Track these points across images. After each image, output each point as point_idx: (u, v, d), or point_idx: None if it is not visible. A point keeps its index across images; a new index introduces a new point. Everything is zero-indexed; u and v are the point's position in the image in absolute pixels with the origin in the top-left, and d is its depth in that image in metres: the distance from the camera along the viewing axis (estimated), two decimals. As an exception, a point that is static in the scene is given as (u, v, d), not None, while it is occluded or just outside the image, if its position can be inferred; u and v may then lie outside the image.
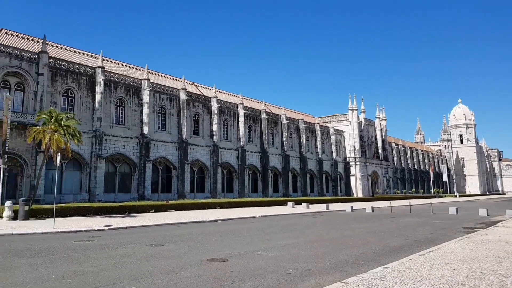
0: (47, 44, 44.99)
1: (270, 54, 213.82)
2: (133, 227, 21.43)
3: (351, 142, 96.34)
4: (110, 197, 45.43)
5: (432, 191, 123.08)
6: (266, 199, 51.66)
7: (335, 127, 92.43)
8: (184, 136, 55.91)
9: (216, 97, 62.42)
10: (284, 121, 75.58)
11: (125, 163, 50.05)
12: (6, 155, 27.08)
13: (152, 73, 58.88)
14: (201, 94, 63.94)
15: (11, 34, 46.79)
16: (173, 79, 64.85)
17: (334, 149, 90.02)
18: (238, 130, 66.14)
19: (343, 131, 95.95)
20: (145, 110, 51.78)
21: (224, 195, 60.57)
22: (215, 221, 25.97)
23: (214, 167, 59.93)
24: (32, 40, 47.89)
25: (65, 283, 8.84)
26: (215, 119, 61.31)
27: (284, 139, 74.80)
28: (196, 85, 69.18)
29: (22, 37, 47.72)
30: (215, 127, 61.14)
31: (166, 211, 31.73)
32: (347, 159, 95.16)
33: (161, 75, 63.56)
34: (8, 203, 23.81)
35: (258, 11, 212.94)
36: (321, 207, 42.07)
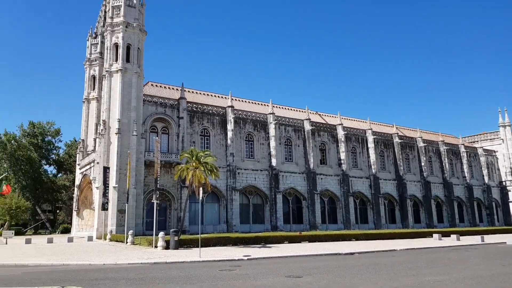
0: (185, 90, 51.43)
1: (397, 75, 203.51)
2: (270, 257, 22.17)
3: (506, 164, 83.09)
4: (245, 228, 48.11)
5: None
6: (407, 230, 47.81)
7: (484, 147, 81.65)
8: (312, 166, 56.38)
9: (341, 124, 61.82)
10: (421, 144, 70.12)
11: (257, 194, 52.80)
12: (158, 191, 31.28)
13: (276, 107, 61.74)
14: (325, 122, 64.17)
15: (156, 86, 54.93)
16: (296, 110, 66.76)
17: (485, 172, 79.28)
18: (368, 157, 63.78)
19: (495, 151, 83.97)
20: (272, 143, 54.19)
21: (358, 226, 58.27)
22: (352, 253, 25.09)
23: (345, 197, 58.53)
24: (173, 88, 55.31)
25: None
26: (342, 147, 60.46)
27: (423, 163, 69.06)
28: (320, 114, 69.82)
29: (165, 87, 55.55)
30: (342, 155, 60.20)
31: (299, 242, 32.02)
32: (504, 183, 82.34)
33: (285, 108, 66.07)
34: (161, 234, 27.21)
35: (371, 36, 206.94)
36: (475, 239, 36.99)
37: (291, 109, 66.77)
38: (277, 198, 52.16)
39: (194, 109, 50.66)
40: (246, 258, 21.01)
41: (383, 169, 65.53)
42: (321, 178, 57.86)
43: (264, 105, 62.46)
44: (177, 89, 53.97)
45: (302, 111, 64.31)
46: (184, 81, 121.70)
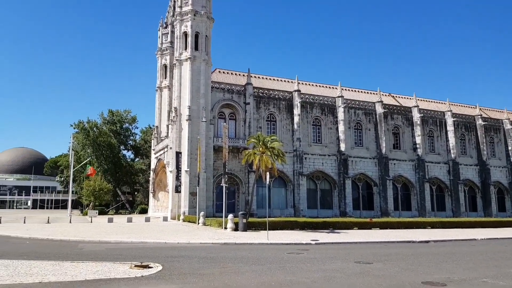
0: (251, 76, 52.00)
1: (480, 52, 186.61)
2: (338, 243, 21.99)
3: None
4: (313, 213, 48.06)
5: None
6: (490, 219, 44.34)
7: None
8: (384, 151, 54.33)
9: (417, 106, 58.50)
10: (508, 126, 64.21)
11: (324, 180, 52.29)
12: (226, 175, 32.35)
13: (345, 89, 60.02)
14: (399, 105, 61.17)
15: (223, 72, 56.18)
16: (367, 93, 64.35)
17: None
18: (447, 141, 59.82)
19: None
20: (341, 127, 53.00)
21: (435, 214, 55.30)
22: (427, 241, 23.95)
23: (420, 183, 55.72)
24: (239, 74, 56.18)
25: (283, 289, 9.80)
26: (417, 131, 57.34)
27: (510, 147, 63.20)
28: (393, 96, 66.61)
29: (231, 74, 56.61)
30: (418, 139, 57.11)
31: (370, 228, 31.24)
32: None
33: (355, 90, 64.00)
34: (230, 216, 28.23)
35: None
36: None
37: (361, 92, 64.54)
38: (346, 183, 51.24)
39: (260, 94, 51.14)
40: (313, 242, 21.05)
41: (464, 153, 61.16)
42: (394, 164, 55.60)
43: (332, 88, 61.07)
44: (243, 75, 54.77)
45: (373, 93, 61.85)
46: (250, 66, 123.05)
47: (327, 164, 52.24)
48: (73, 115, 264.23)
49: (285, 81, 60.02)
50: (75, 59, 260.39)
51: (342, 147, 52.43)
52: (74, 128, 69.44)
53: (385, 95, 64.29)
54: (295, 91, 52.15)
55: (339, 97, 54.36)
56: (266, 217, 25.42)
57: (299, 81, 54.37)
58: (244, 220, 27.84)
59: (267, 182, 26.69)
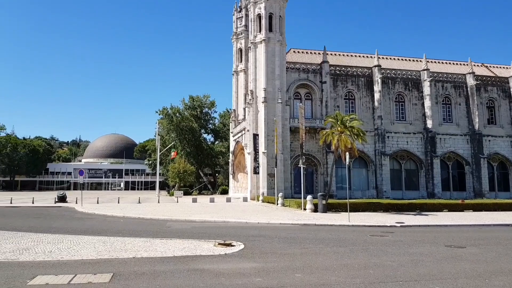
0: (327, 54, 50.47)
1: None
2: (426, 225, 20.74)
3: None
4: (397, 194, 45.98)
5: None
6: None
7: None
8: (477, 126, 49.83)
9: (515, 75, 52.31)
10: None
11: (409, 159, 49.61)
12: (303, 156, 32.12)
13: (431, 61, 55.66)
14: (494, 75, 55.32)
15: (298, 52, 55.29)
16: (456, 64, 59.11)
17: None
18: (554, 112, 52.89)
19: None
20: (427, 103, 49.55)
21: (539, 195, 49.61)
22: (531, 226, 21.57)
23: (522, 161, 50.21)
24: (314, 53, 54.88)
25: (367, 273, 9.47)
26: (517, 103, 51.43)
27: None
28: (486, 66, 60.32)
29: (306, 53, 55.50)
30: (517, 112, 51.27)
31: (461, 211, 28.98)
32: None
33: (442, 62, 59.11)
34: (309, 197, 28.10)
35: None
36: None
37: (449, 63, 59.45)
38: (434, 163, 48.03)
39: (337, 72, 49.56)
40: (399, 225, 20.11)
41: None
42: (489, 140, 50.73)
43: (416, 61, 57.01)
44: (319, 53, 53.41)
45: (463, 64, 56.63)
46: (325, 44, 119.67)
47: (412, 142, 49.34)
48: (158, 102, 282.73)
49: (363, 56, 57.37)
50: (158, 51, 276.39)
51: (429, 124, 49.01)
52: (159, 114, 74.11)
53: (477, 65, 58.46)
54: (375, 66, 49.64)
55: (424, 70, 50.61)
56: (346, 199, 24.84)
57: (379, 56, 51.60)
58: (324, 202, 27.52)
59: (347, 163, 25.98)
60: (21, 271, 9.28)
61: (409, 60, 58.29)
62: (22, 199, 46.60)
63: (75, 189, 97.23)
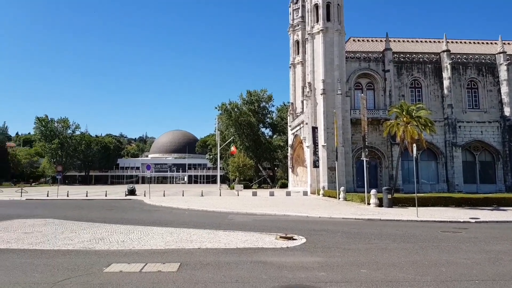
0: (390, 41, 48.34)
1: None
2: (505, 222, 19.18)
3: None
4: (470, 188, 43.12)
5: None
6: None
7: None
8: None
9: None
10: None
11: (484, 150, 46.30)
12: (366, 149, 31.15)
13: (507, 43, 51.14)
14: None
15: (358, 41, 53.55)
16: (539, 44, 53.73)
17: None
18: None
19: None
20: (504, 89, 45.83)
21: None
22: None
23: None
24: (376, 41, 52.79)
25: (438, 271, 8.99)
26: None
27: None
28: None
29: (367, 41, 53.57)
30: None
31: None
32: None
33: (521, 43, 54.05)
34: (373, 191, 27.23)
35: None
36: None
37: (529, 44, 54.24)
38: (513, 154, 44.35)
39: (401, 59, 47.36)
40: (473, 220, 18.82)
41: None
42: None
43: (490, 43, 52.79)
44: (380, 41, 51.35)
45: (547, 44, 51.36)
46: (387, 30, 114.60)
47: (488, 132, 45.86)
48: (218, 98, 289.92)
49: (429, 41, 54.18)
50: (216, 48, 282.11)
51: (507, 111, 45.23)
52: (218, 110, 75.94)
53: None
54: (443, 51, 46.73)
55: (500, 53, 46.69)
56: (413, 193, 23.74)
57: (447, 40, 48.44)
58: (389, 196, 26.52)
59: (414, 155, 24.81)
60: (98, 259, 10.02)
61: (482, 43, 54.08)
62: (96, 192, 50.25)
63: (143, 182, 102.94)
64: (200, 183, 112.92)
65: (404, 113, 30.33)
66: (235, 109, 73.20)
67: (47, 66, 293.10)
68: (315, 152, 43.14)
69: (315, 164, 43.09)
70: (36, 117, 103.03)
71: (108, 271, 8.68)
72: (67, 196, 40.52)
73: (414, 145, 25.15)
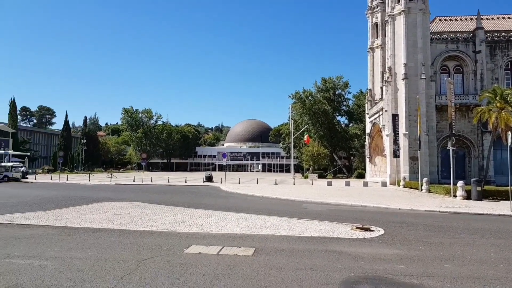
0: (482, 18, 44.18)
1: None
2: None
3: None
4: None
5: None
6: None
7: None
8: None
9: None
10: None
11: None
12: (453, 137, 29.03)
13: None
14: None
15: (444, 20, 49.69)
16: None
17: None
18: None
19: None
20: None
21: None
22: None
23: None
24: (465, 19, 48.61)
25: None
26: None
27: None
28: None
29: (455, 20, 49.51)
30: None
31: None
32: None
33: None
34: (460, 183, 25.39)
35: None
36: None
37: None
38: None
39: (495, 38, 43.05)
40: None
41: None
42: None
43: None
44: (471, 19, 47.17)
45: None
46: (479, 7, 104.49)
47: None
48: (291, 87, 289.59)
49: (530, 16, 48.52)
50: (291, 35, 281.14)
51: None
52: (291, 99, 75.72)
53: None
54: (546, 27, 41.60)
55: None
56: (507, 185, 21.68)
57: (552, 14, 43.01)
58: (479, 188, 24.57)
59: (509, 144, 22.59)
60: (178, 240, 10.69)
61: None
62: (177, 178, 53.31)
63: (219, 170, 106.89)
64: (274, 171, 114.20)
65: (497, 98, 27.78)
66: (309, 97, 72.40)
67: (133, 60, 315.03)
68: (395, 141, 41.22)
69: (395, 154, 41.21)
70: (123, 108, 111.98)
71: (188, 252, 9.23)
72: (151, 181, 43.56)
73: (509, 133, 22.90)
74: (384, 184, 41.45)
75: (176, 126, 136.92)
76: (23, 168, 50.01)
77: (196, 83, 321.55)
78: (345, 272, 7.74)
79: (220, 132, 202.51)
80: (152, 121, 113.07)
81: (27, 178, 47.18)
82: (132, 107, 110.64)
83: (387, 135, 44.02)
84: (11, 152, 65.07)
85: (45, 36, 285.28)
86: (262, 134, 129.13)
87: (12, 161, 56.26)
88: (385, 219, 15.88)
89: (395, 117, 41.63)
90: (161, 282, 6.85)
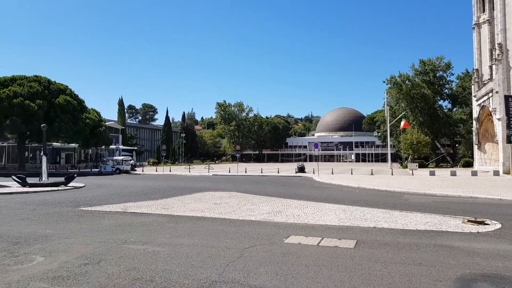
0: None
1: None
2: None
3: None
4: None
5: None
6: None
7: None
8: None
9: None
10: None
11: None
12: None
13: None
14: None
15: None
16: None
17: None
18: None
19: None
20: None
21: None
22: None
23: None
24: None
25: None
26: None
27: None
28: None
29: None
30: None
31: None
32: None
33: None
34: None
35: None
36: None
37: None
38: None
39: None
40: None
41: None
42: None
43: None
44: None
45: None
46: None
47: None
48: (386, 71, 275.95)
49: None
50: (381, 14, 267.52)
51: None
52: (386, 84, 71.75)
53: None
54: None
55: None
56: None
57: None
58: None
59: None
60: (277, 230, 10.86)
61: None
62: (269, 169, 54.37)
63: (310, 160, 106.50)
64: (368, 161, 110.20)
65: None
66: (406, 81, 68.01)
67: (227, 57, 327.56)
68: (509, 125, 36.87)
69: (509, 140, 36.91)
70: (216, 102, 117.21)
71: (288, 242, 9.32)
72: (245, 172, 45.03)
73: None
74: (496, 173, 37.46)
75: (267, 118, 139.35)
76: (132, 161, 55.25)
77: (284, 75, 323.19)
78: (459, 268, 7.15)
79: (310, 122, 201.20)
80: (244, 114, 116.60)
81: (135, 170, 52.09)
82: (225, 101, 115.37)
83: (498, 119, 39.63)
84: (121, 147, 72.43)
85: (134, 44, 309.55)
86: (355, 123, 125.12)
87: (122, 155, 62.57)
88: (501, 212, 14.35)
89: (507, 98, 37.19)
90: (265, 270, 7.01)
